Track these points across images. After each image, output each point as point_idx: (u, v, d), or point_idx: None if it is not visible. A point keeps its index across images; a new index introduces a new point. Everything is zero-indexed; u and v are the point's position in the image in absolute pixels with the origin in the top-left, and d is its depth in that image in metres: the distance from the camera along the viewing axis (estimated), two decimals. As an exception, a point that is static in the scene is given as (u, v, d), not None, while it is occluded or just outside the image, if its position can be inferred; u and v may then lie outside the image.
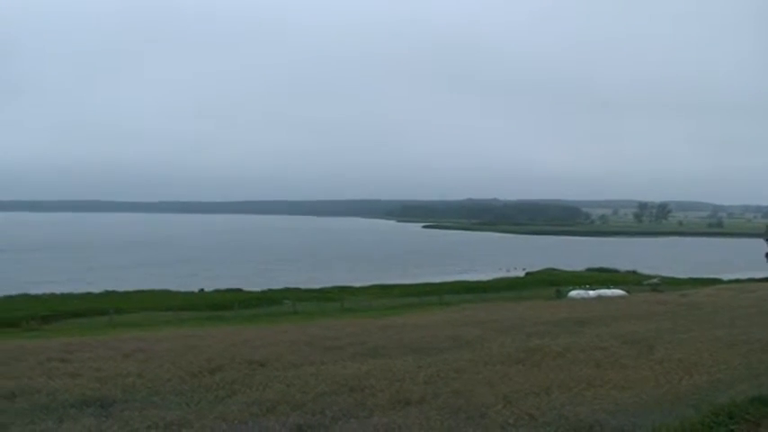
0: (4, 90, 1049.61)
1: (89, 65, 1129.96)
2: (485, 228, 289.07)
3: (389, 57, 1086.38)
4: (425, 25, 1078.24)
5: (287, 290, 69.35)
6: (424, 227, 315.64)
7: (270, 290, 69.19)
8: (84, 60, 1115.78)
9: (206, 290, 70.17)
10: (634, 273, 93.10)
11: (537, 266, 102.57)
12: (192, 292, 68.07)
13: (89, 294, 63.76)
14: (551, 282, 75.10)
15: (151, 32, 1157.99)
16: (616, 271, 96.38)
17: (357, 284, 75.50)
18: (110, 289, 67.68)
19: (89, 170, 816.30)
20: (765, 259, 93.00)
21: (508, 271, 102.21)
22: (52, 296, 62.19)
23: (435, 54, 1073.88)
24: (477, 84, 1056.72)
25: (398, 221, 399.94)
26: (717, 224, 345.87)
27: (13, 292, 62.92)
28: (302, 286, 73.09)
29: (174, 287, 71.49)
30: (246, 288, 71.02)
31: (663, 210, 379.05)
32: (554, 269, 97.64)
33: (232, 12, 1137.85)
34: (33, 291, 64.93)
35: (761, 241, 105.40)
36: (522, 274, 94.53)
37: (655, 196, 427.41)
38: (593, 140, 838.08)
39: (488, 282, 79.37)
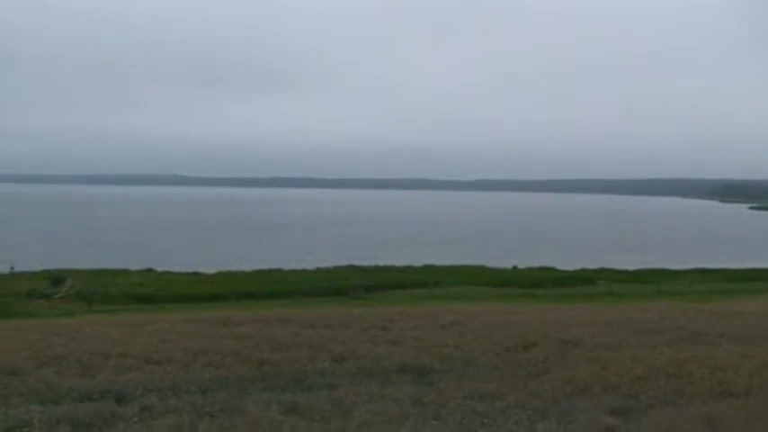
0: (343, 76, 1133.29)
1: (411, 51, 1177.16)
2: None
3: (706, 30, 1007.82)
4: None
5: (602, 270, 67.78)
6: (751, 208, 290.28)
7: (584, 269, 67.98)
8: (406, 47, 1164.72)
9: (519, 267, 70.70)
10: None
11: None
12: (506, 269, 68.91)
13: (409, 267, 67.13)
14: None
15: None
16: None
17: (674, 267, 71.79)
18: (429, 263, 70.63)
19: (415, 151, 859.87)
20: None
21: None
22: (376, 268, 66.46)
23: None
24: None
25: (721, 202, 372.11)
26: None
27: (343, 263, 68.60)
28: (617, 267, 70.96)
29: (487, 263, 72.96)
30: (559, 267, 70.43)
31: None
32: None
33: None
34: (358, 262, 69.88)
35: None
36: None
37: None
38: None
39: (827, 269, 71.60)
